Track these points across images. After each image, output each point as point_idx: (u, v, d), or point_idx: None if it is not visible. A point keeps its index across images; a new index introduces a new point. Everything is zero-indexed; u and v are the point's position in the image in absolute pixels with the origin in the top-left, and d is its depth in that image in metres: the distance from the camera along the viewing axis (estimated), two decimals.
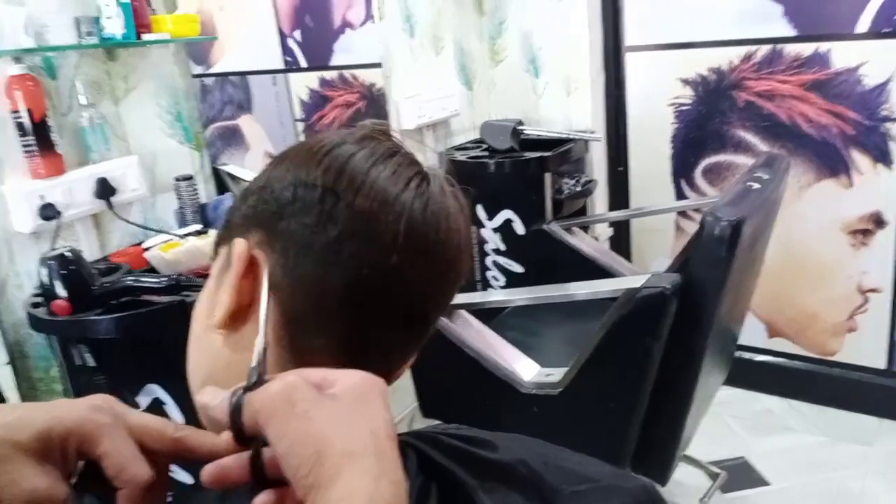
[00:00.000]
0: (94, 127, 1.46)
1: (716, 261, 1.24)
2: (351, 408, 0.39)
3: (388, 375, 0.55)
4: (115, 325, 1.13)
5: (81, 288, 1.14)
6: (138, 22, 1.47)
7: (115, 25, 1.43)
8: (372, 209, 0.49)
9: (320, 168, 0.50)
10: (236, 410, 0.39)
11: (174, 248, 1.36)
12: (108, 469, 0.42)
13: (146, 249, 1.42)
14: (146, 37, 1.50)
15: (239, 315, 0.51)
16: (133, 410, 0.46)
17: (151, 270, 1.37)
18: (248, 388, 0.40)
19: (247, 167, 1.96)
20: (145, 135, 1.60)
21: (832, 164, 2.18)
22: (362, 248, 0.48)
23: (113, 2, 1.42)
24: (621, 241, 2.64)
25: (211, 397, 0.41)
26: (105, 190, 1.44)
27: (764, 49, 2.20)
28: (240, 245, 0.50)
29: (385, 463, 0.38)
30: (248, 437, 0.39)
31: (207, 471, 0.40)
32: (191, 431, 0.46)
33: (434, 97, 2.28)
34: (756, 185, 1.39)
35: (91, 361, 1.16)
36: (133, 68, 1.58)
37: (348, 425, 0.38)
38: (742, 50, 2.24)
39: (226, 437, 0.45)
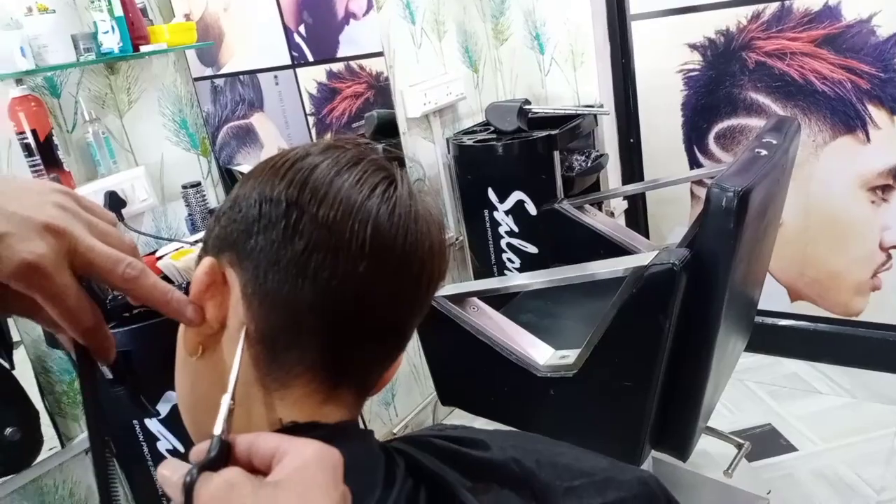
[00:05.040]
0: (100, 141, 1.49)
1: (724, 233, 1.22)
2: (294, 496, 0.38)
3: (370, 386, 0.55)
4: (129, 337, 1.16)
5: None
6: (135, 34, 1.49)
7: (111, 40, 1.45)
8: (336, 218, 0.48)
9: (283, 182, 0.50)
10: (188, 491, 0.38)
11: (185, 256, 1.38)
12: (52, 314, 0.45)
13: (159, 258, 1.44)
14: (144, 48, 1.51)
15: (211, 338, 0.52)
16: (93, 222, 0.47)
17: (165, 279, 1.39)
18: (204, 466, 0.39)
19: None
20: (151, 145, 1.62)
21: (848, 120, 2.13)
22: (329, 259, 0.48)
23: (108, 17, 1.44)
24: (637, 213, 2.61)
25: (170, 472, 0.41)
26: (115, 203, 1.47)
27: (772, 7, 2.15)
28: (202, 266, 0.51)
29: None
30: None
31: None
32: (142, 276, 0.47)
33: (439, 82, 2.27)
34: (764, 152, 1.37)
35: (109, 374, 1.19)
36: (134, 80, 1.60)
37: None
38: (749, 9, 2.19)
39: (176, 296, 0.49)
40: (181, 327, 0.54)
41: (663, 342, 1.28)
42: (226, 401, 0.43)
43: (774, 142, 1.42)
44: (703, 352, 1.33)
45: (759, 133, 1.50)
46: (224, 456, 0.41)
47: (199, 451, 0.41)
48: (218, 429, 0.42)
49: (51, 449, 1.44)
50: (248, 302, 0.50)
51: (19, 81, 1.35)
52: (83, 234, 0.46)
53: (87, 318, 0.46)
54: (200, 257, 0.54)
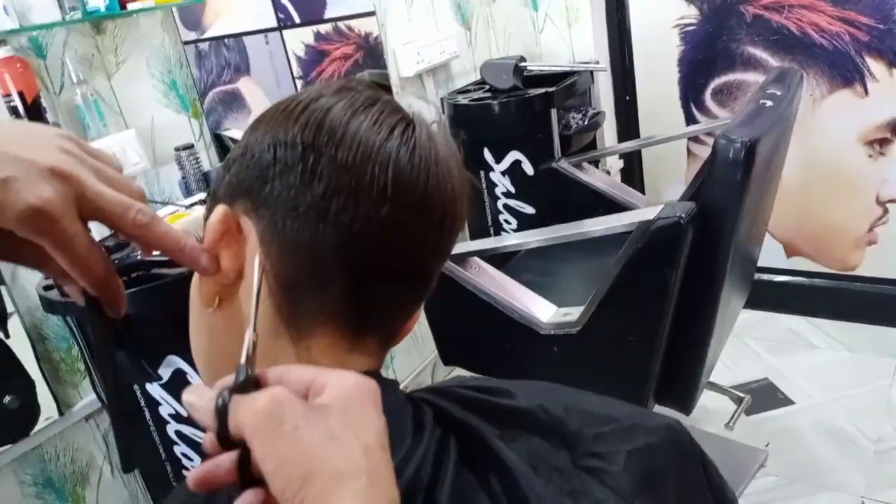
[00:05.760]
0: (89, 104, 1.44)
1: (731, 184, 1.21)
2: (343, 422, 0.36)
3: (393, 335, 0.54)
4: (129, 300, 1.12)
5: None
6: None
7: None
8: (355, 161, 0.47)
9: (298, 125, 0.48)
10: (222, 413, 0.36)
11: (181, 219, 1.36)
12: (61, 263, 0.43)
13: None
14: (131, 6, 1.46)
15: (228, 288, 0.50)
16: (99, 168, 0.45)
17: None
18: (236, 389, 0.37)
19: None
20: (141, 107, 1.58)
21: (846, 73, 2.11)
22: (350, 203, 0.46)
23: None
24: (633, 171, 2.60)
25: (196, 397, 0.38)
26: None
27: None
28: (215, 214, 0.49)
29: (378, 484, 0.36)
30: (233, 440, 0.37)
31: (193, 475, 0.38)
32: (153, 223, 0.45)
33: (431, 41, 2.23)
34: (769, 103, 1.35)
35: None
36: (122, 40, 1.55)
37: (340, 443, 0.36)
38: None
39: (190, 243, 0.47)
40: (195, 278, 0.52)
41: (669, 297, 1.27)
42: (249, 333, 0.41)
43: (779, 93, 1.40)
44: (708, 306, 1.32)
45: (762, 84, 1.49)
46: (254, 385, 0.38)
47: (225, 381, 0.39)
48: (243, 358, 0.39)
49: (47, 419, 1.42)
50: (267, 250, 0.48)
51: (3, 42, 1.31)
52: (90, 179, 0.43)
53: (98, 267, 0.44)
54: (210, 208, 0.52)
